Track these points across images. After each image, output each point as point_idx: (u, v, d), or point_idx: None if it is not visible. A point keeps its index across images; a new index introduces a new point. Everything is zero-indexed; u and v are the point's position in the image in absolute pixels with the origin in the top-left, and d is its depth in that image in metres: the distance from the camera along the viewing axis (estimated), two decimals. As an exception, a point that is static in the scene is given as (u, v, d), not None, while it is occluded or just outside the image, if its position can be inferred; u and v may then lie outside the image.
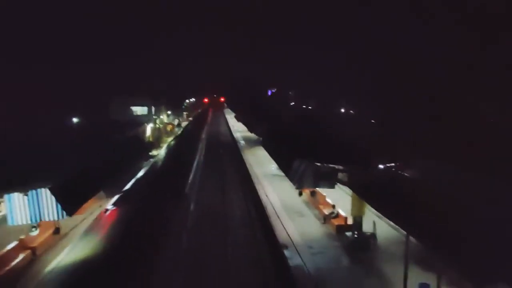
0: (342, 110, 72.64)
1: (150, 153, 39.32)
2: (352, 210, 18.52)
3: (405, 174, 20.99)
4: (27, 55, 47.37)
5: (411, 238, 13.53)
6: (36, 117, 44.97)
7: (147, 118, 54.82)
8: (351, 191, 18.29)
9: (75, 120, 44.18)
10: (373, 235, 18.55)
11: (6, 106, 40.03)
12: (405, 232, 14.04)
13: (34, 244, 17.96)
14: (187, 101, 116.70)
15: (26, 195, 15.82)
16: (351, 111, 70.79)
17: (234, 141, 57.59)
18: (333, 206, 21.66)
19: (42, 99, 45.15)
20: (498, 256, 9.74)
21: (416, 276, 14.71)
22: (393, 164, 21.80)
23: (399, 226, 15.65)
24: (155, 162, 28.16)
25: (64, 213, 16.20)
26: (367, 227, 18.62)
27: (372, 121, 49.60)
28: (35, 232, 17.73)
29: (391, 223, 18.06)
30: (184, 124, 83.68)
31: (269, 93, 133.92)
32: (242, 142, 55.74)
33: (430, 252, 12.97)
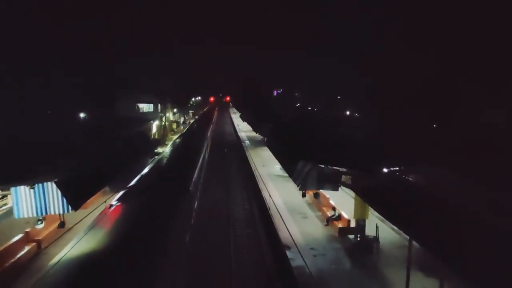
0: (347, 113, 72.57)
1: (156, 150, 39.54)
2: (355, 213, 18.54)
3: (409, 178, 21.01)
4: (35, 50, 47.57)
5: (414, 243, 13.54)
6: (44, 111, 45.40)
7: (153, 116, 55.10)
8: (354, 194, 18.32)
9: (82, 115, 44.51)
10: (375, 239, 18.55)
11: (15, 101, 40.39)
12: (407, 237, 14.06)
13: (39, 237, 18.19)
14: (193, 99, 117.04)
15: (33, 188, 15.95)
16: (356, 114, 70.70)
17: (239, 140, 57.70)
18: (333, 208, 21.67)
19: (50, 94, 45.49)
20: (501, 261, 9.74)
21: (419, 280, 14.75)
22: (397, 168, 21.82)
23: (402, 230, 15.65)
24: (160, 159, 28.28)
25: (70, 207, 16.36)
26: (370, 231, 18.63)
27: (375, 123, 49.63)
28: (40, 225, 17.91)
29: (394, 227, 18.08)
30: (189, 122, 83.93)
31: (275, 93, 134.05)
32: (247, 142, 55.82)
33: (433, 257, 12.96)
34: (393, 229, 19.25)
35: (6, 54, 41.24)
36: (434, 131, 43.62)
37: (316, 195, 24.14)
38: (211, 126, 69.46)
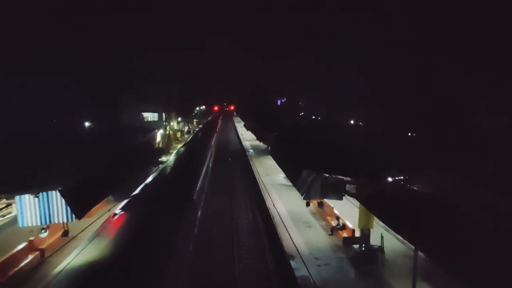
0: (352, 122, 72.44)
1: (160, 159, 39.60)
2: (359, 222, 18.40)
3: (414, 187, 20.87)
4: (38, 59, 47.73)
5: (420, 253, 13.41)
6: (48, 120, 45.64)
7: (157, 125, 55.33)
8: (359, 203, 18.21)
9: (87, 124, 44.79)
10: (380, 248, 18.39)
11: (19, 110, 40.58)
12: (413, 246, 13.92)
13: (43, 246, 18.20)
14: (197, 108, 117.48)
15: (37, 197, 16.02)
16: (360, 123, 70.55)
17: (243, 149, 57.71)
18: (338, 218, 21.54)
19: (54, 103, 45.67)
20: (509, 271, 9.60)
21: (424, 291, 14.56)
22: (401, 177, 21.70)
23: (407, 240, 15.51)
24: (164, 168, 28.32)
25: (73, 216, 16.40)
26: (374, 240, 18.47)
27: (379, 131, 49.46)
28: (44, 234, 17.94)
29: (399, 236, 17.92)
30: (194, 131, 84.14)
31: (279, 102, 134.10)
32: (251, 151, 55.83)
33: (439, 267, 12.82)
34: (398, 238, 19.08)
35: (7, 54, 41.45)
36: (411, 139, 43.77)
37: (320, 204, 24.07)
38: (215, 135, 69.57)
